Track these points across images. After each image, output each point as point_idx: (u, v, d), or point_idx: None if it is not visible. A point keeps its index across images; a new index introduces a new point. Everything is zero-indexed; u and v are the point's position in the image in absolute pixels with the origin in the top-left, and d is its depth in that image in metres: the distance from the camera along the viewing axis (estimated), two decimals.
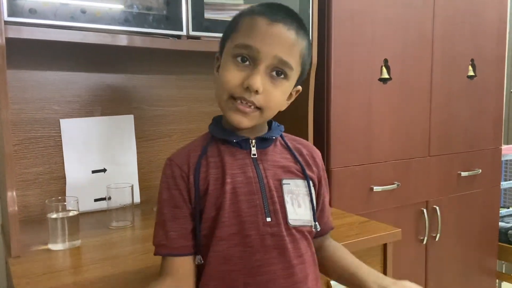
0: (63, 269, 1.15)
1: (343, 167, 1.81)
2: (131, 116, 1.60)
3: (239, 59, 0.94)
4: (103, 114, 1.55)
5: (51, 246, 1.26)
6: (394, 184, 1.96)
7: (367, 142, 1.90)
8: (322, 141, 1.78)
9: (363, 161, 1.89)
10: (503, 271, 2.90)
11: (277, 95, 0.96)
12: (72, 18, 1.25)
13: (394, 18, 1.91)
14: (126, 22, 1.30)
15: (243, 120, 0.95)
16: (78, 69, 1.52)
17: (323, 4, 1.72)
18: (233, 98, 0.94)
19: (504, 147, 2.50)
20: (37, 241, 1.29)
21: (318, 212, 1.09)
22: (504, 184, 2.69)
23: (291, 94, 1.04)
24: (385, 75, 1.91)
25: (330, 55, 1.75)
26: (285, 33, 0.94)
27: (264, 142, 1.03)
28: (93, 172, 1.55)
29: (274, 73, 0.95)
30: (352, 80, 1.83)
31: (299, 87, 1.06)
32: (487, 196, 2.39)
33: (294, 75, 0.99)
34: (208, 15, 1.39)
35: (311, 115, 1.64)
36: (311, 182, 1.05)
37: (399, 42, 1.95)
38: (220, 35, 1.41)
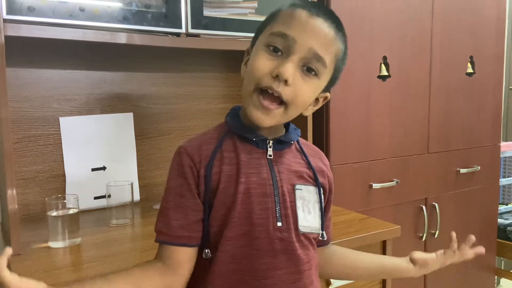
0: (63, 267, 1.16)
1: (342, 164, 1.81)
2: (131, 114, 1.60)
3: (271, 48, 0.91)
4: (102, 112, 1.55)
5: (51, 244, 1.26)
6: (393, 181, 1.96)
7: (366, 139, 1.90)
8: (321, 138, 1.78)
9: (362, 158, 1.89)
10: (502, 268, 2.90)
11: (306, 92, 0.93)
12: (71, 16, 1.25)
13: (392, 15, 1.91)
14: (125, 20, 1.30)
15: (265, 119, 0.92)
16: (77, 67, 1.51)
17: (321, 1, 1.71)
18: (259, 91, 0.91)
19: (502, 144, 2.49)
20: (37, 239, 1.29)
21: (326, 220, 1.08)
22: (503, 181, 2.68)
23: (317, 100, 1.01)
24: (384, 72, 1.91)
25: None
26: (325, 28, 0.91)
27: (280, 144, 1.00)
28: (93, 170, 1.55)
29: (305, 68, 0.91)
30: (351, 77, 1.83)
31: (328, 94, 1.02)
32: (486, 193, 2.39)
33: (326, 75, 0.96)
34: (207, 12, 1.39)
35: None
36: (321, 190, 1.03)
37: (398, 39, 1.95)
38: (219, 32, 1.44)
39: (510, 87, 3.19)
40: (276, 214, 0.95)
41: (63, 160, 1.50)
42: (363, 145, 1.89)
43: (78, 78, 1.51)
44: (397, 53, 1.95)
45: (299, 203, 0.98)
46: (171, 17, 1.34)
